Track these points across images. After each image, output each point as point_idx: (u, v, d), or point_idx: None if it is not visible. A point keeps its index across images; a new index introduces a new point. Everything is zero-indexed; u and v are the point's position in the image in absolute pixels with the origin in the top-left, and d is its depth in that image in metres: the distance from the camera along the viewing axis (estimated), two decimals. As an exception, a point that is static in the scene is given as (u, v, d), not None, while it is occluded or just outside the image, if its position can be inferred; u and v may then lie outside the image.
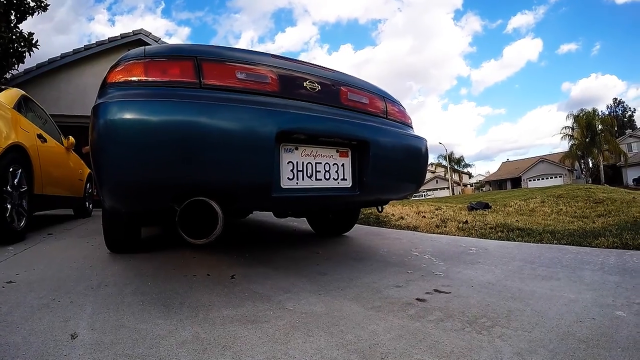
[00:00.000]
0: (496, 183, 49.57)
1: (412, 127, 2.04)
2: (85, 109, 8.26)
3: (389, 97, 1.95)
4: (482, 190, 50.36)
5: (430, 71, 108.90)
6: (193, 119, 1.19)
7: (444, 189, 51.93)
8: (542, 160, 41.46)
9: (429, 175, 61.10)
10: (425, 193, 49.06)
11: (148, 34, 8.66)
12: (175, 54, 1.40)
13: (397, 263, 1.82)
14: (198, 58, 1.36)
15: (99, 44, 8.23)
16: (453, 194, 41.48)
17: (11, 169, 2.45)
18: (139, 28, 8.70)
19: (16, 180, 2.52)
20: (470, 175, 63.49)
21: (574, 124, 31.82)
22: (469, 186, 57.30)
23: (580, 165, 35.62)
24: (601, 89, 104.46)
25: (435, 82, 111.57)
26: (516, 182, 44.22)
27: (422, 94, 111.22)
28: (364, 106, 1.75)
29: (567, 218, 3.64)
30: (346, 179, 1.59)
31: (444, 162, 46.31)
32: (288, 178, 1.43)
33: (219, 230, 1.18)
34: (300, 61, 1.66)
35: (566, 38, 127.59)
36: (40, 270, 1.68)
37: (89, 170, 5.32)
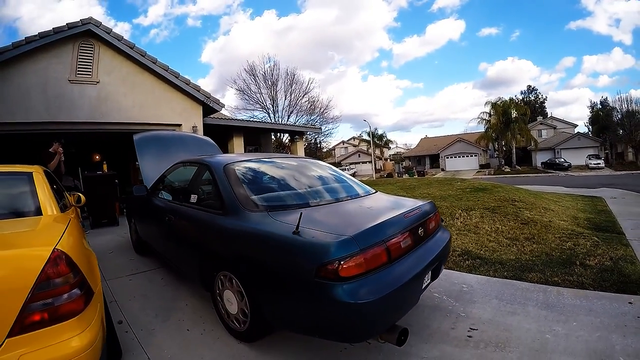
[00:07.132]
0: (415, 159, 54.88)
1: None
2: (29, 115, 8.56)
3: (435, 208, 3.33)
4: (402, 165, 55.23)
5: (353, 42, 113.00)
6: (397, 286, 2.18)
7: (366, 162, 55.46)
8: (459, 139, 47.65)
9: (351, 149, 65.08)
10: (348, 167, 52.46)
11: (98, 24, 8.66)
12: (372, 242, 2.22)
13: (435, 307, 3.41)
14: (385, 241, 2.28)
15: (43, 35, 7.96)
16: (375, 168, 44.93)
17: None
18: (87, 17, 8.55)
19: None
20: (389, 148, 68.94)
21: (491, 110, 37.40)
22: (389, 160, 61.90)
23: (494, 147, 41.68)
24: (516, 72, 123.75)
25: (357, 54, 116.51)
26: (434, 159, 49.87)
27: (343, 64, 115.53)
28: (435, 227, 3.14)
29: (505, 240, 5.67)
30: (428, 280, 2.76)
31: (365, 137, 50.00)
32: None
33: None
34: (414, 210, 2.86)
35: (488, 22, 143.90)
36: None
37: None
